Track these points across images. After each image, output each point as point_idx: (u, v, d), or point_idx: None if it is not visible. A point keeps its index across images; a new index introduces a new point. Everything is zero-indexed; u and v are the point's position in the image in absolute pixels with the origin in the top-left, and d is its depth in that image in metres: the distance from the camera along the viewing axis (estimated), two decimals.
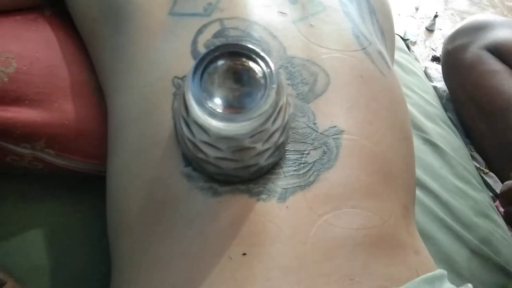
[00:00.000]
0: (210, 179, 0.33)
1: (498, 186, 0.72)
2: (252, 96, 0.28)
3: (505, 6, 1.61)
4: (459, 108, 0.81)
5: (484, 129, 0.73)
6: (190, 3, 0.40)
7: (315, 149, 0.35)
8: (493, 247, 0.61)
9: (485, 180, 0.73)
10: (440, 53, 1.28)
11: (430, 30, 1.38)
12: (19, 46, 0.43)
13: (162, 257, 0.32)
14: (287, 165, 0.34)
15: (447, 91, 0.86)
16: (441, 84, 0.89)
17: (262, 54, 0.28)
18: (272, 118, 0.29)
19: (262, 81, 0.28)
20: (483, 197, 0.68)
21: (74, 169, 0.45)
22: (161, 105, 0.36)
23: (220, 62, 0.28)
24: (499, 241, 0.62)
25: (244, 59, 0.28)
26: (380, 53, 0.44)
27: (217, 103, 0.28)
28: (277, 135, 0.30)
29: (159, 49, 0.38)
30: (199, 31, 0.38)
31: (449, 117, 0.81)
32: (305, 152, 0.35)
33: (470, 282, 0.56)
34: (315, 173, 0.34)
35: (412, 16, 1.43)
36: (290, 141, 0.35)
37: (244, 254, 0.31)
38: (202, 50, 0.36)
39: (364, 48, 0.42)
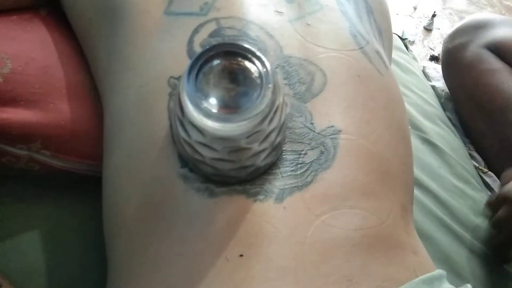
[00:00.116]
0: (207, 180, 0.33)
1: (497, 186, 0.72)
2: (248, 96, 0.27)
3: (503, 5, 1.61)
4: (458, 107, 0.81)
5: (484, 128, 0.73)
6: (186, 2, 0.39)
7: (312, 149, 0.35)
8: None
9: (484, 180, 0.73)
10: (439, 52, 1.28)
11: (428, 29, 1.38)
12: (14, 46, 0.42)
13: (162, 258, 0.32)
14: (284, 166, 0.34)
15: (446, 90, 0.86)
16: (439, 84, 0.89)
17: (258, 53, 0.28)
18: (269, 118, 0.28)
19: (258, 80, 0.28)
20: (482, 197, 0.68)
21: (70, 170, 0.45)
22: (157, 105, 0.36)
23: (216, 62, 0.28)
24: None
25: (239, 59, 0.28)
26: (377, 52, 0.44)
27: (213, 103, 0.27)
28: (273, 135, 0.30)
29: (155, 48, 0.38)
30: (195, 31, 0.37)
31: (447, 117, 0.81)
32: (302, 152, 0.35)
33: (469, 282, 0.56)
34: (312, 173, 0.34)
35: (410, 16, 1.42)
36: (287, 141, 0.35)
37: (241, 255, 0.31)
38: (198, 49, 0.36)
39: (361, 48, 0.42)
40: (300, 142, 0.35)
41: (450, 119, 0.80)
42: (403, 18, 1.40)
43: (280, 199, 0.33)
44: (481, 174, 0.74)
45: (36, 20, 0.45)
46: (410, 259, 0.35)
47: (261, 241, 0.31)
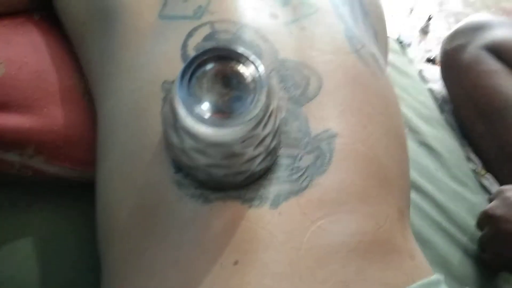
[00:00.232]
0: (201, 185, 0.32)
1: (494, 188, 0.71)
2: (241, 101, 0.27)
3: (499, 6, 1.61)
4: (457, 109, 0.81)
5: (482, 129, 0.73)
6: (180, 5, 0.39)
7: (308, 153, 0.35)
8: None
9: (482, 182, 0.73)
10: (435, 54, 1.28)
11: (424, 31, 1.38)
12: (8, 50, 0.42)
13: (156, 264, 0.32)
14: (279, 171, 0.34)
15: (442, 92, 0.86)
16: (436, 86, 0.89)
17: (251, 57, 0.28)
18: (263, 123, 0.28)
19: (252, 85, 0.27)
20: (480, 200, 0.67)
21: (64, 176, 0.44)
22: (150, 109, 0.35)
23: (209, 66, 0.28)
24: None
25: (233, 63, 0.28)
26: (373, 55, 0.44)
27: (206, 108, 0.27)
28: (268, 140, 0.29)
29: (149, 52, 0.38)
30: (189, 34, 0.37)
31: (444, 119, 0.80)
32: (298, 157, 0.34)
33: (467, 285, 0.56)
34: (308, 178, 0.34)
35: (406, 18, 1.42)
36: (282, 146, 0.34)
37: (237, 261, 0.30)
38: (192, 53, 0.36)
39: (357, 51, 0.42)
40: (295, 146, 0.35)
41: (447, 122, 0.80)
42: (399, 21, 1.40)
43: (275, 204, 0.32)
44: (479, 176, 0.74)
45: (29, 24, 0.44)
46: (407, 264, 0.35)
47: (256, 247, 0.31)
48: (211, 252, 0.31)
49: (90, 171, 0.44)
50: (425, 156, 0.70)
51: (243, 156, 0.29)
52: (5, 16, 0.44)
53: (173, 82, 0.35)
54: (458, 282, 0.56)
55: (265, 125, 0.28)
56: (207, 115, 0.26)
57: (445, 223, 0.61)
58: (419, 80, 0.87)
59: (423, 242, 0.57)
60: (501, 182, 0.71)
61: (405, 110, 0.74)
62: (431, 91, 0.87)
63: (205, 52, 0.27)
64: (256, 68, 0.28)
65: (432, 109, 0.80)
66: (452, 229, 0.61)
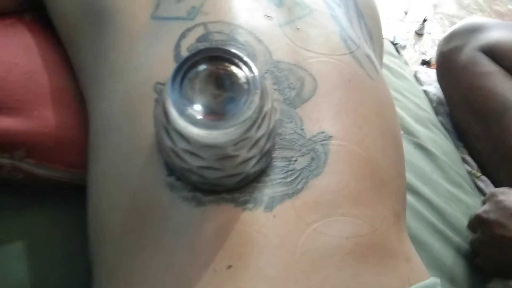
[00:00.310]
0: (194, 188, 0.32)
1: (490, 190, 0.71)
2: (235, 102, 0.27)
3: (492, 10, 1.62)
4: (453, 110, 0.81)
5: (478, 131, 0.73)
6: (173, 6, 0.38)
7: (303, 155, 0.34)
8: None
9: (477, 184, 0.72)
10: (430, 57, 1.29)
11: (419, 34, 1.38)
12: None
13: (148, 269, 0.31)
14: (274, 173, 0.33)
15: (438, 94, 0.86)
16: (431, 88, 0.89)
17: (245, 58, 0.27)
18: (257, 125, 0.27)
19: (246, 86, 0.27)
20: (475, 202, 0.67)
21: (56, 178, 0.44)
22: (143, 111, 0.35)
23: (202, 67, 0.27)
24: None
25: (226, 64, 0.27)
26: (368, 57, 0.43)
27: (198, 109, 0.26)
28: (262, 142, 0.29)
29: (141, 53, 0.37)
30: (182, 35, 0.37)
31: (440, 121, 0.80)
32: (293, 159, 0.34)
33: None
34: (303, 180, 0.33)
35: (401, 20, 1.43)
36: (277, 148, 0.34)
37: (230, 266, 0.30)
38: (185, 54, 0.35)
39: (352, 52, 0.41)
40: (290, 148, 0.34)
41: (442, 124, 0.80)
42: (394, 23, 1.41)
43: (270, 207, 0.32)
44: (474, 178, 0.73)
45: (19, 26, 0.44)
46: (403, 267, 0.34)
47: (250, 251, 0.30)
48: (204, 256, 0.30)
49: (82, 174, 0.43)
50: (421, 158, 0.70)
51: (236, 158, 0.28)
52: None
53: (165, 83, 0.34)
54: (454, 285, 0.55)
55: (259, 127, 0.28)
56: (199, 116, 0.26)
57: (441, 225, 0.61)
58: (414, 82, 0.87)
59: (419, 244, 0.56)
60: (497, 184, 0.71)
61: (400, 112, 0.74)
62: (426, 93, 0.87)
63: (197, 52, 0.27)
64: (250, 69, 0.27)
65: (428, 111, 0.80)
66: (448, 231, 0.61)
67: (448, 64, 0.79)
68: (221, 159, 0.28)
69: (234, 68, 0.27)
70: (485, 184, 0.73)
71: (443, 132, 0.78)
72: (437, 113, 0.83)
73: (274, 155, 0.34)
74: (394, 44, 0.98)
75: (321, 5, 0.43)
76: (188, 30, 0.37)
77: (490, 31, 0.77)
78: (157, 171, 0.33)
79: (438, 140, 0.74)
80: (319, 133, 0.35)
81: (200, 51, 0.27)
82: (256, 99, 0.26)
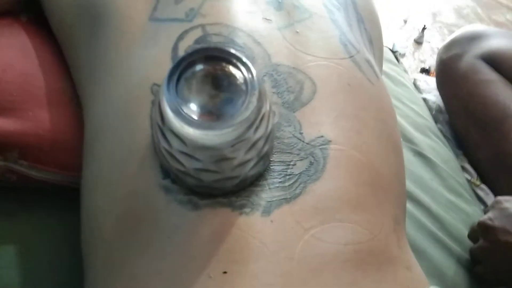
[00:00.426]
0: (190, 191, 0.31)
1: (489, 199, 0.71)
2: (232, 103, 0.26)
3: (491, 19, 1.63)
4: (452, 118, 0.80)
5: (478, 139, 0.73)
6: (171, 8, 0.38)
7: (301, 159, 0.34)
8: None
9: (477, 193, 0.72)
10: (429, 65, 1.29)
11: (418, 42, 1.38)
12: None
13: (138, 275, 0.30)
14: (272, 177, 0.32)
15: (437, 102, 0.86)
16: (430, 96, 0.89)
17: (243, 59, 0.27)
18: (254, 126, 0.27)
19: (243, 87, 0.26)
20: (475, 210, 0.67)
21: (50, 181, 0.43)
22: (139, 113, 0.34)
23: (198, 67, 0.27)
24: None
25: (224, 64, 0.27)
26: (368, 61, 0.43)
27: (194, 109, 0.26)
28: (260, 144, 0.28)
29: (138, 55, 0.36)
30: (180, 37, 0.36)
31: (439, 129, 0.80)
32: (291, 163, 0.33)
33: None
34: (301, 185, 0.33)
35: (401, 29, 1.43)
36: (275, 152, 0.33)
37: (225, 272, 0.29)
38: None
39: (351, 56, 0.41)
40: (288, 152, 0.34)
41: (441, 132, 0.80)
42: (394, 31, 1.41)
43: (267, 212, 0.31)
44: (474, 187, 0.73)
45: (16, 26, 0.43)
46: (403, 275, 0.34)
47: (246, 257, 0.30)
48: (198, 261, 0.29)
49: (77, 177, 0.42)
50: (420, 166, 0.69)
51: (233, 161, 0.28)
52: None
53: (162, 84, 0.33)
54: None
55: (257, 128, 0.27)
56: (195, 116, 0.25)
57: (440, 234, 0.60)
58: (414, 89, 0.87)
59: (418, 252, 0.55)
60: (496, 193, 0.70)
61: (399, 119, 0.74)
62: (425, 101, 0.86)
63: (194, 52, 0.26)
64: (248, 69, 0.27)
65: (427, 119, 0.79)
66: (447, 240, 0.60)
67: (448, 71, 0.79)
68: (218, 161, 0.28)
69: (231, 69, 0.27)
70: (485, 192, 0.72)
71: (442, 140, 0.77)
72: (436, 121, 0.82)
73: (272, 159, 0.33)
74: (393, 52, 0.98)
75: (320, 9, 0.43)
76: (186, 32, 0.36)
77: (490, 39, 0.77)
78: (152, 174, 0.32)
79: (437, 148, 0.74)
80: (318, 137, 0.35)
81: (197, 51, 0.26)
82: (254, 100, 0.26)
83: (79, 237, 0.37)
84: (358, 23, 0.47)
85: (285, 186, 0.32)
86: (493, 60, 0.74)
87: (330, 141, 0.35)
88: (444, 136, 0.79)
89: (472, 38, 0.78)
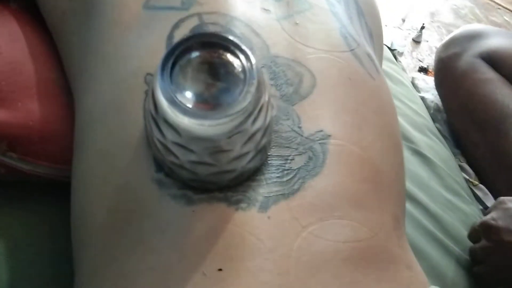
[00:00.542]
0: (184, 186, 0.30)
1: (487, 199, 0.70)
2: (229, 92, 0.25)
3: (489, 20, 1.63)
4: (451, 117, 0.80)
5: (476, 138, 0.72)
6: None
7: (300, 154, 0.32)
8: None
9: (475, 193, 0.71)
10: (427, 64, 1.28)
11: (416, 41, 1.38)
12: None
13: (128, 272, 0.29)
14: (269, 172, 0.31)
15: (435, 101, 0.85)
16: (428, 95, 0.88)
17: (242, 46, 0.25)
18: (252, 117, 0.26)
19: (241, 75, 0.25)
20: (473, 210, 0.66)
21: (39, 174, 0.42)
22: (131, 103, 0.33)
23: (194, 54, 0.25)
24: None
25: (221, 51, 0.25)
26: (369, 55, 0.42)
27: (189, 98, 0.25)
28: (258, 136, 0.27)
29: (132, 44, 0.35)
30: (176, 26, 0.35)
31: (437, 128, 0.79)
32: (289, 158, 0.32)
33: None
34: (299, 181, 0.31)
35: (399, 28, 1.42)
36: (273, 146, 0.32)
37: (220, 269, 0.28)
38: None
39: (352, 50, 0.40)
40: (287, 146, 0.32)
41: (439, 131, 0.79)
42: (392, 30, 1.40)
43: (264, 207, 0.30)
44: (472, 187, 0.72)
45: (5, 13, 0.42)
46: (403, 275, 0.33)
47: (242, 254, 0.28)
48: (193, 258, 0.28)
49: (68, 170, 0.41)
50: (418, 164, 0.68)
51: (230, 153, 0.27)
52: None
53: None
54: None
55: (255, 119, 0.26)
56: (190, 105, 0.24)
57: (439, 233, 0.59)
58: (412, 88, 0.86)
59: (416, 252, 0.54)
60: (495, 192, 0.70)
61: (398, 118, 0.73)
62: (423, 99, 0.86)
63: (190, 37, 0.25)
64: (247, 57, 0.25)
65: (425, 118, 0.79)
66: (446, 240, 0.59)
67: (447, 70, 0.78)
68: (213, 153, 0.26)
69: (229, 56, 0.25)
70: (483, 192, 0.72)
71: (440, 139, 0.76)
72: (434, 120, 0.82)
73: (269, 153, 0.32)
74: (392, 50, 0.97)
75: (320, 0, 0.42)
76: (182, 20, 0.35)
77: (489, 38, 0.76)
78: (145, 167, 0.31)
79: (436, 147, 0.73)
80: (317, 131, 0.34)
81: (193, 36, 0.25)
82: (253, 90, 0.25)
83: (69, 233, 0.36)
84: (358, 17, 0.46)
85: (283, 182, 0.31)
86: (492, 59, 0.74)
87: (329, 135, 0.34)
88: (442, 135, 0.79)
89: (471, 37, 0.77)
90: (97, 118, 0.35)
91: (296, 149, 0.33)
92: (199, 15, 0.36)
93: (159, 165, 0.30)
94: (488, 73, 0.72)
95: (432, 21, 1.51)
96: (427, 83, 0.93)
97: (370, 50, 0.44)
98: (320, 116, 0.35)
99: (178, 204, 0.30)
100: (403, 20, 1.45)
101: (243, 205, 0.30)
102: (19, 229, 0.42)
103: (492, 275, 0.55)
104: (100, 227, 0.32)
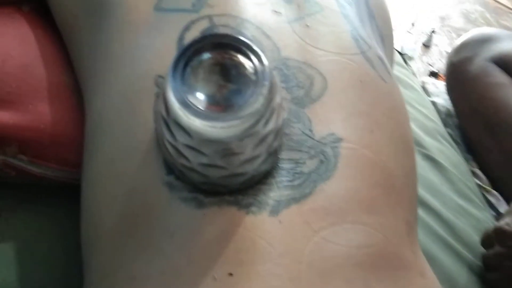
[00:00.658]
0: (195, 189, 0.29)
1: (500, 205, 0.69)
2: (241, 94, 0.24)
3: (500, 24, 1.61)
4: (463, 122, 0.79)
5: (489, 143, 0.71)
6: None
7: (311, 158, 0.32)
8: None
9: (487, 199, 0.70)
10: (438, 68, 1.27)
11: (427, 46, 1.37)
12: None
13: (136, 276, 0.29)
14: (280, 175, 0.31)
15: (446, 106, 0.84)
16: (439, 100, 0.87)
17: (254, 47, 0.25)
18: (264, 119, 0.25)
19: (253, 77, 0.25)
20: (486, 216, 0.65)
21: (49, 177, 0.42)
22: (141, 106, 0.33)
23: (206, 55, 0.25)
24: None
25: (233, 53, 0.25)
26: (380, 58, 0.41)
27: (201, 99, 0.24)
28: (270, 139, 0.27)
29: (142, 46, 0.35)
30: (186, 28, 0.35)
31: (448, 133, 0.78)
32: (300, 161, 0.32)
33: None
34: (311, 185, 0.31)
35: (409, 32, 1.42)
36: (284, 149, 0.32)
37: (231, 274, 0.27)
38: None
39: (363, 52, 0.39)
40: (298, 150, 0.32)
41: (451, 136, 0.78)
42: (402, 34, 1.40)
43: (275, 212, 0.30)
44: (484, 192, 0.71)
45: (17, 16, 0.42)
46: (417, 282, 0.32)
47: (253, 259, 0.28)
48: (203, 262, 0.28)
49: (78, 173, 0.41)
50: (429, 169, 0.67)
51: (241, 156, 0.26)
52: None
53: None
54: None
55: (267, 122, 0.26)
56: (201, 107, 0.24)
57: (451, 240, 0.58)
58: (423, 93, 0.85)
59: (428, 258, 0.53)
60: (508, 198, 0.69)
61: None
62: (434, 104, 0.85)
63: (202, 38, 0.25)
64: (259, 59, 0.25)
65: (436, 122, 0.78)
66: (458, 246, 0.58)
67: (458, 74, 0.77)
68: (225, 156, 0.26)
69: (241, 58, 0.25)
70: (496, 198, 0.71)
71: (452, 144, 0.75)
72: (445, 125, 0.81)
73: (280, 157, 0.31)
74: (402, 55, 0.96)
75: (331, 3, 0.42)
76: (193, 22, 0.35)
77: (501, 41, 0.75)
78: (156, 170, 0.31)
79: (447, 152, 0.72)
80: (329, 134, 0.33)
81: (204, 37, 0.25)
82: (265, 92, 0.24)
83: (79, 236, 0.36)
84: (370, 19, 0.45)
85: (294, 185, 0.31)
86: (505, 63, 0.73)
87: (341, 139, 0.33)
88: (454, 140, 0.78)
89: (482, 41, 0.77)
90: (106, 121, 0.35)
91: (307, 152, 0.32)
92: (209, 17, 0.35)
93: (170, 168, 0.30)
94: (500, 77, 0.71)
95: (442, 26, 1.50)
96: (438, 87, 0.92)
97: (381, 53, 0.43)
98: (331, 119, 0.34)
99: (188, 207, 0.29)
100: (413, 24, 1.45)
101: (253, 208, 0.29)
102: (29, 232, 0.42)
103: (506, 282, 0.54)
104: (110, 230, 0.31)
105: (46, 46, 0.42)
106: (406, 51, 1.26)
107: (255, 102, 0.24)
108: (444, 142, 0.74)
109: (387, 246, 0.31)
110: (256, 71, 0.25)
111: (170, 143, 0.27)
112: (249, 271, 0.27)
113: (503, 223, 0.53)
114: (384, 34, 0.48)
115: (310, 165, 0.32)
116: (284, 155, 0.32)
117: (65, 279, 0.41)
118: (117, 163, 0.33)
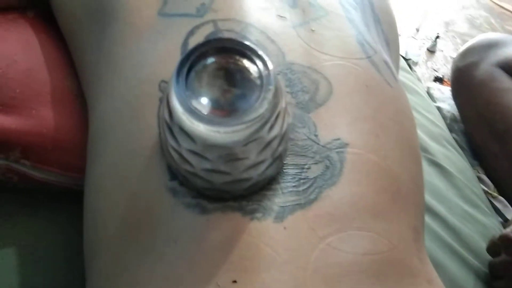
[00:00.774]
0: (198, 194, 0.29)
1: (507, 211, 0.68)
2: (246, 99, 0.24)
3: (504, 29, 1.61)
4: (468, 127, 0.78)
5: (495, 148, 0.70)
6: (182, 3, 0.37)
7: (316, 163, 0.32)
8: None
9: (494, 205, 0.69)
10: (443, 74, 1.27)
11: (431, 51, 1.36)
12: None
13: (139, 282, 0.28)
14: (285, 181, 0.31)
15: (451, 111, 0.84)
16: (444, 105, 0.87)
17: (258, 51, 0.25)
18: (269, 125, 0.25)
19: (258, 82, 0.24)
20: (492, 222, 0.64)
21: (52, 182, 0.41)
22: (144, 111, 0.32)
23: (210, 60, 0.25)
24: None
25: (237, 57, 0.25)
26: (386, 63, 0.41)
27: (205, 104, 0.24)
28: (275, 144, 0.26)
29: (146, 50, 0.35)
30: (190, 33, 0.35)
31: (454, 139, 0.78)
32: (305, 167, 0.31)
33: None
34: (316, 190, 0.31)
35: (413, 37, 1.41)
36: (289, 154, 0.31)
37: (235, 281, 0.27)
38: None
39: (369, 57, 0.39)
40: (303, 155, 0.32)
41: (456, 141, 0.77)
42: (406, 40, 1.39)
43: (280, 218, 0.29)
44: (491, 198, 0.70)
45: (21, 22, 0.42)
46: None
47: (257, 266, 0.27)
48: (206, 268, 0.27)
49: (81, 178, 0.41)
50: (435, 175, 0.67)
51: (245, 161, 0.26)
52: None
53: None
54: None
55: (272, 127, 0.25)
56: (205, 112, 0.23)
57: (457, 246, 0.57)
58: (428, 98, 0.85)
59: (435, 265, 0.52)
60: None
61: None
62: (439, 109, 0.84)
63: (206, 43, 0.25)
64: (264, 63, 0.25)
65: (442, 128, 0.77)
66: (464, 253, 0.57)
67: (464, 79, 0.77)
68: (229, 161, 0.26)
69: (246, 62, 0.25)
70: (503, 205, 0.70)
71: (457, 150, 0.75)
72: (451, 130, 0.80)
73: (285, 162, 0.31)
74: (407, 60, 0.96)
75: (337, 7, 0.41)
76: (197, 27, 0.35)
77: (507, 46, 0.75)
78: (159, 175, 0.30)
79: (453, 157, 0.72)
80: (334, 140, 0.33)
81: (208, 42, 0.25)
82: (269, 96, 0.24)
83: (81, 240, 0.35)
84: (375, 24, 0.45)
85: (299, 191, 0.30)
86: (511, 68, 0.72)
87: (347, 144, 0.33)
88: (460, 145, 0.77)
89: (488, 46, 0.76)
90: (110, 125, 0.34)
91: (313, 157, 0.32)
92: (214, 22, 0.35)
93: (173, 174, 0.30)
94: (506, 82, 0.70)
95: (446, 31, 1.50)
96: (443, 93, 0.92)
97: (387, 57, 0.43)
98: (336, 124, 0.34)
99: (192, 213, 0.29)
100: (417, 30, 1.44)
101: (258, 214, 0.29)
102: (31, 237, 0.42)
103: None
104: (112, 236, 0.31)
105: (50, 51, 0.42)
106: (410, 56, 1.25)
107: (260, 107, 0.24)
108: (449, 147, 0.74)
109: (394, 253, 0.31)
110: (261, 76, 0.25)
111: (173, 148, 0.27)
112: (253, 278, 0.27)
113: (509, 230, 0.52)
114: (390, 38, 0.47)
115: (315, 170, 0.31)
116: (289, 160, 0.31)
117: (67, 284, 0.41)
118: (120, 168, 0.32)
